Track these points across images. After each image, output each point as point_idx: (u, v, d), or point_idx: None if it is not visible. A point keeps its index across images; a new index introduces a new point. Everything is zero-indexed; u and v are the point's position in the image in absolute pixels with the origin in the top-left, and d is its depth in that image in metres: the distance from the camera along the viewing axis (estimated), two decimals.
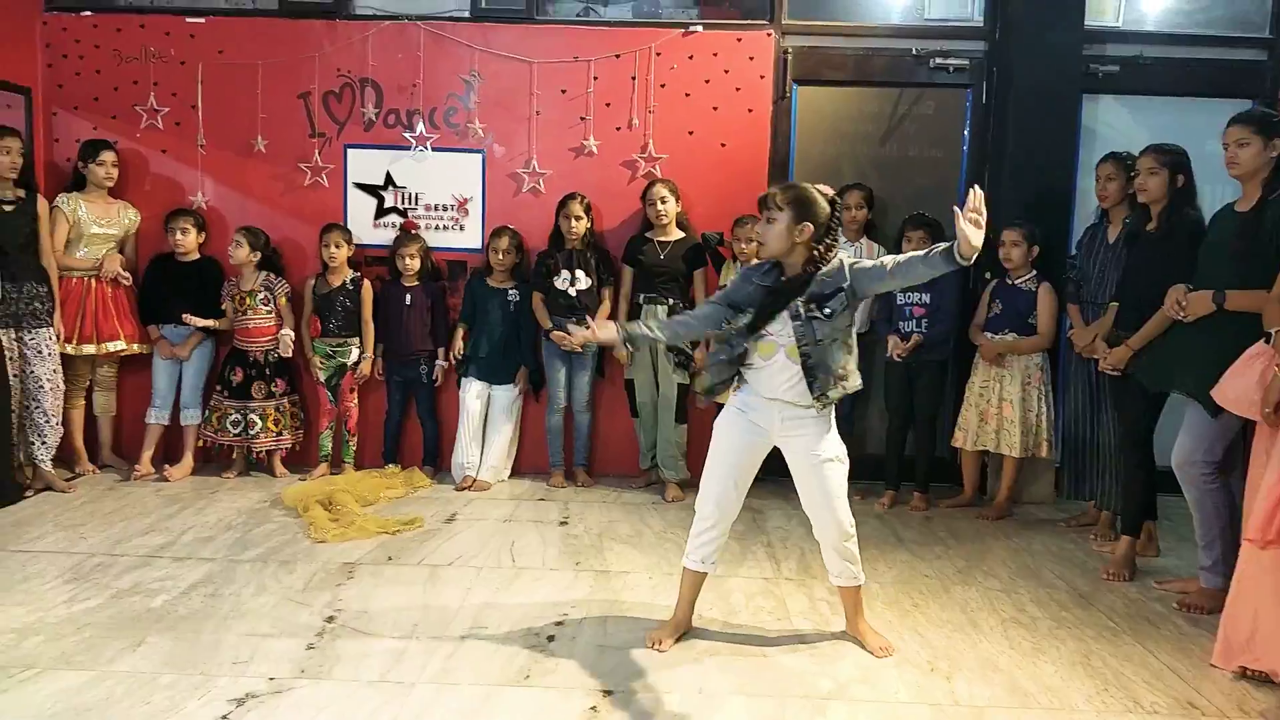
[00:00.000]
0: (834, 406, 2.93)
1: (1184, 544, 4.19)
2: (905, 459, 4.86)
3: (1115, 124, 5.08)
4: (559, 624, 3.14)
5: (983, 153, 5.06)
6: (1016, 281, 4.58)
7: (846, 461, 3.00)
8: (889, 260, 2.84)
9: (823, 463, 2.92)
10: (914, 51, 5.04)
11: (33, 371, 4.41)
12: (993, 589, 3.61)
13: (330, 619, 3.12)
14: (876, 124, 5.13)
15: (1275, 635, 2.79)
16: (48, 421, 4.47)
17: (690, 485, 4.83)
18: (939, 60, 5.03)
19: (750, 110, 5.03)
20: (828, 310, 2.81)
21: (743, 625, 3.20)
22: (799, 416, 2.90)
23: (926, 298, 4.65)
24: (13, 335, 4.34)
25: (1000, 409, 4.56)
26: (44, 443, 4.48)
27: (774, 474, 5.08)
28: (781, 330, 2.84)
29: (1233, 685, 2.83)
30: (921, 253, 2.79)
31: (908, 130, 5.12)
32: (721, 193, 5.01)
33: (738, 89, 5.02)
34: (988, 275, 4.89)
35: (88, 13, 5.06)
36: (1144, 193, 3.75)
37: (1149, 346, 3.61)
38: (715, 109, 5.03)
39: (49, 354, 4.45)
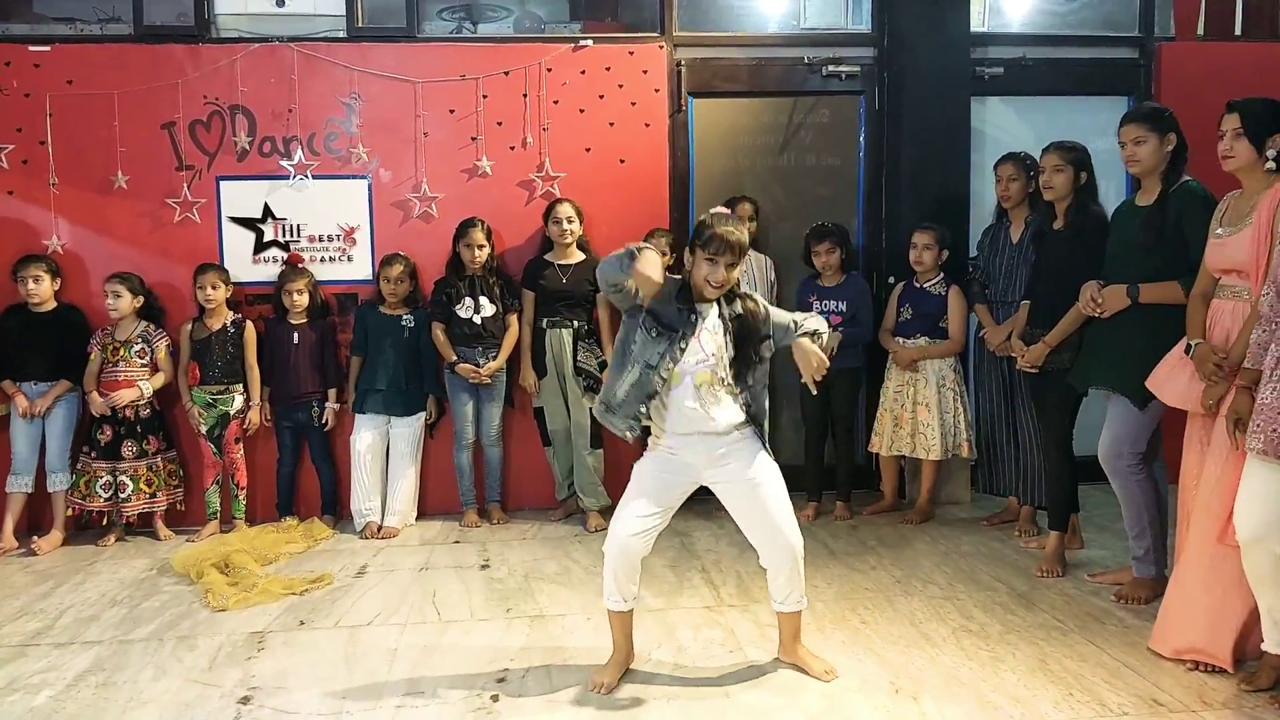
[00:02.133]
0: (754, 428, 2.85)
1: (1104, 533, 4.27)
2: (825, 468, 4.81)
3: (1002, 124, 5.19)
4: (500, 680, 2.92)
5: (879, 158, 5.09)
6: (925, 285, 4.59)
7: (783, 483, 2.88)
8: (791, 323, 2.85)
9: (761, 485, 2.82)
10: (805, 60, 5.03)
11: None
12: (935, 597, 3.57)
13: (245, 699, 2.81)
14: (774, 134, 5.09)
15: (1224, 628, 2.82)
16: None
17: (611, 512, 4.66)
18: (831, 68, 5.03)
19: (647, 125, 4.91)
20: (756, 356, 2.82)
21: (695, 662, 3.04)
22: (728, 444, 2.79)
23: (843, 304, 4.62)
24: None
25: (915, 413, 4.55)
26: None
27: (694, 496, 5.04)
28: (691, 359, 2.74)
29: (1189, 677, 2.83)
30: (797, 336, 2.83)
31: (804, 139, 5.10)
32: (623, 209, 4.88)
33: (633, 103, 4.90)
34: (891, 279, 4.90)
35: None
36: (1050, 190, 3.79)
37: (1077, 348, 3.63)
38: (611, 124, 4.89)
39: None
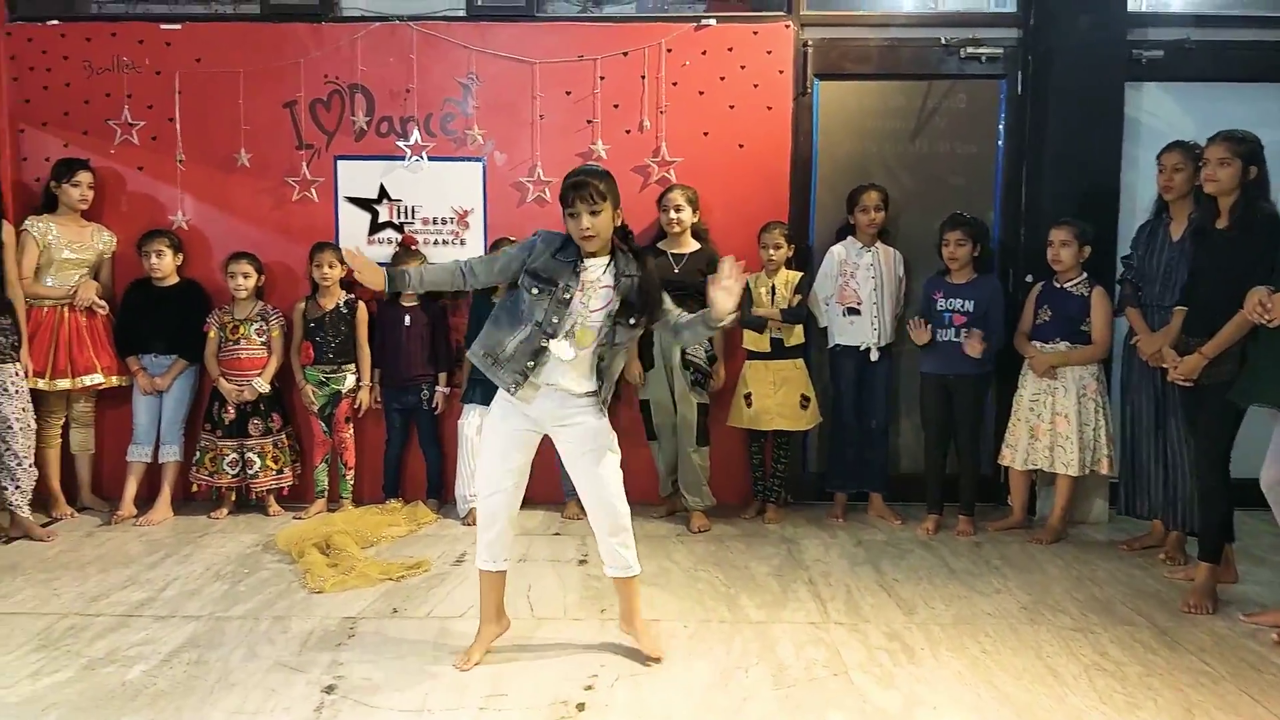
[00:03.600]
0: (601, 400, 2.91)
1: (1261, 567, 3.88)
2: (946, 479, 4.50)
3: (1160, 113, 4.74)
4: (588, 688, 2.78)
5: (1020, 147, 4.73)
6: (1066, 285, 4.23)
7: (619, 452, 2.98)
8: (674, 315, 2.93)
9: (598, 450, 2.90)
10: (943, 41, 4.70)
11: (0, 412, 4.05)
12: (1065, 628, 3.25)
13: (329, 689, 2.75)
14: (904, 119, 4.79)
15: None
16: (20, 464, 4.09)
17: (716, 513, 4.50)
18: (970, 50, 4.69)
19: (769, 108, 4.69)
20: (632, 321, 2.85)
21: (794, 683, 2.83)
22: (576, 406, 2.87)
23: (970, 305, 4.30)
24: None
25: (1054, 424, 4.20)
26: (17, 487, 4.11)
27: (806, 499, 4.83)
28: (568, 316, 2.78)
29: None
30: (692, 316, 2.89)
31: (938, 125, 4.78)
32: (741, 197, 4.68)
33: (755, 85, 4.68)
34: (1029, 278, 4.55)
35: (55, 21, 4.71)
36: (1213, 184, 3.41)
37: (1241, 361, 3.26)
38: (732, 107, 4.68)
39: (16, 391, 4.08)
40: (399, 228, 4.77)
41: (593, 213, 2.74)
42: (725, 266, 2.75)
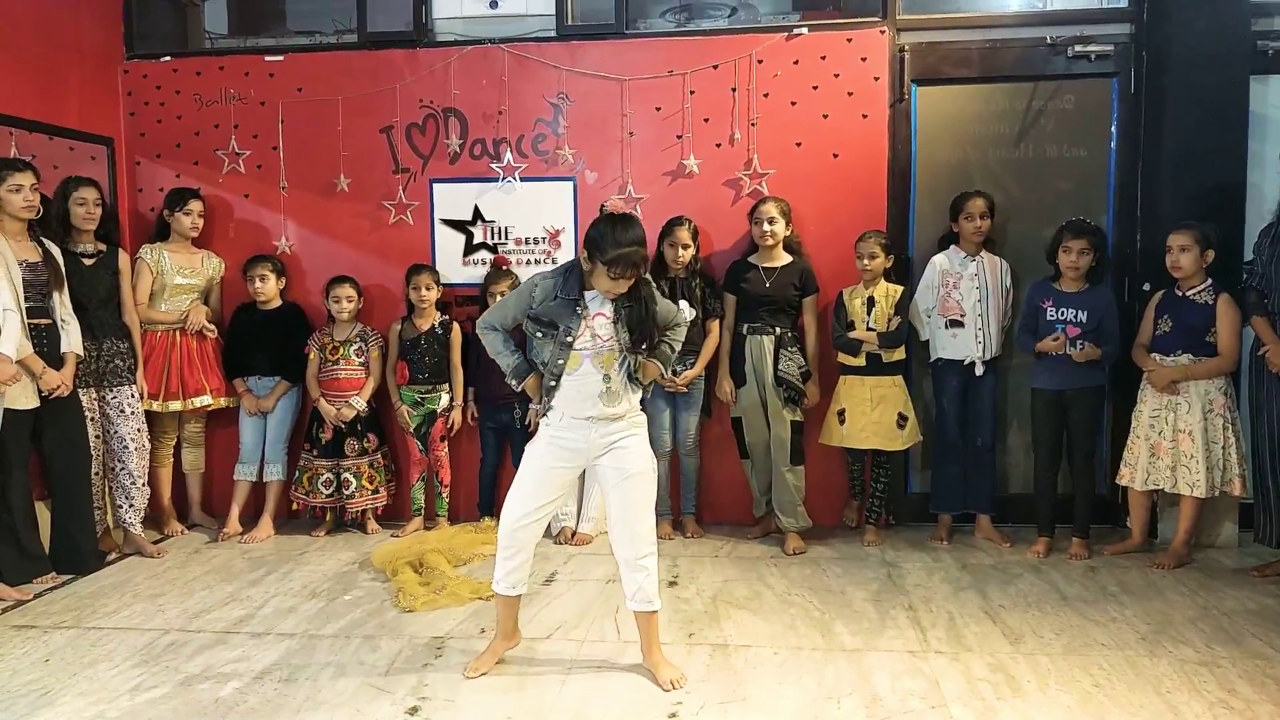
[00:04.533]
0: (642, 416, 2.99)
1: None
2: (1059, 499, 4.27)
3: None
4: (672, 715, 2.70)
5: (1134, 148, 4.46)
6: (1188, 293, 3.96)
7: (655, 470, 3.03)
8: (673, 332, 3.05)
9: (635, 476, 2.90)
10: (1048, 40, 4.49)
11: (116, 431, 4.22)
12: (1188, 661, 3.02)
13: (413, 710, 2.75)
14: (1009, 123, 4.58)
15: None
16: (134, 483, 4.27)
17: (812, 534, 4.36)
18: (1078, 48, 4.46)
19: (865, 116, 4.55)
20: (644, 345, 2.91)
21: (890, 717, 2.69)
22: (617, 432, 2.89)
23: (1083, 315, 4.07)
24: (94, 395, 4.16)
25: (1176, 441, 3.93)
26: (131, 505, 4.28)
27: (907, 520, 4.65)
28: (588, 341, 2.83)
29: None
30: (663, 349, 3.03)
31: (1044, 127, 4.56)
32: (835, 208, 4.55)
33: (850, 94, 4.55)
34: (1147, 287, 4.28)
35: (167, 58, 4.93)
36: None
37: None
38: (825, 117, 4.57)
39: (132, 412, 4.26)
40: (492, 248, 4.80)
41: (631, 279, 2.80)
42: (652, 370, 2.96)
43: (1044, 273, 4.28)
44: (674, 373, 3.24)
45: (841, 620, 3.42)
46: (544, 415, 2.94)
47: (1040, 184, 4.57)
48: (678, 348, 3.08)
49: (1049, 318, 4.17)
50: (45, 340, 3.87)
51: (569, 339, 2.82)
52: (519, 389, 2.98)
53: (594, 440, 2.89)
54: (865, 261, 4.29)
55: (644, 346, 2.90)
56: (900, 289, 4.35)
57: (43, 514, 4.07)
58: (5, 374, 3.55)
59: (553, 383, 2.86)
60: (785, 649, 3.16)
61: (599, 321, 2.85)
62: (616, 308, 2.85)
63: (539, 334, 2.88)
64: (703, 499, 4.66)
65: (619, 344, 2.85)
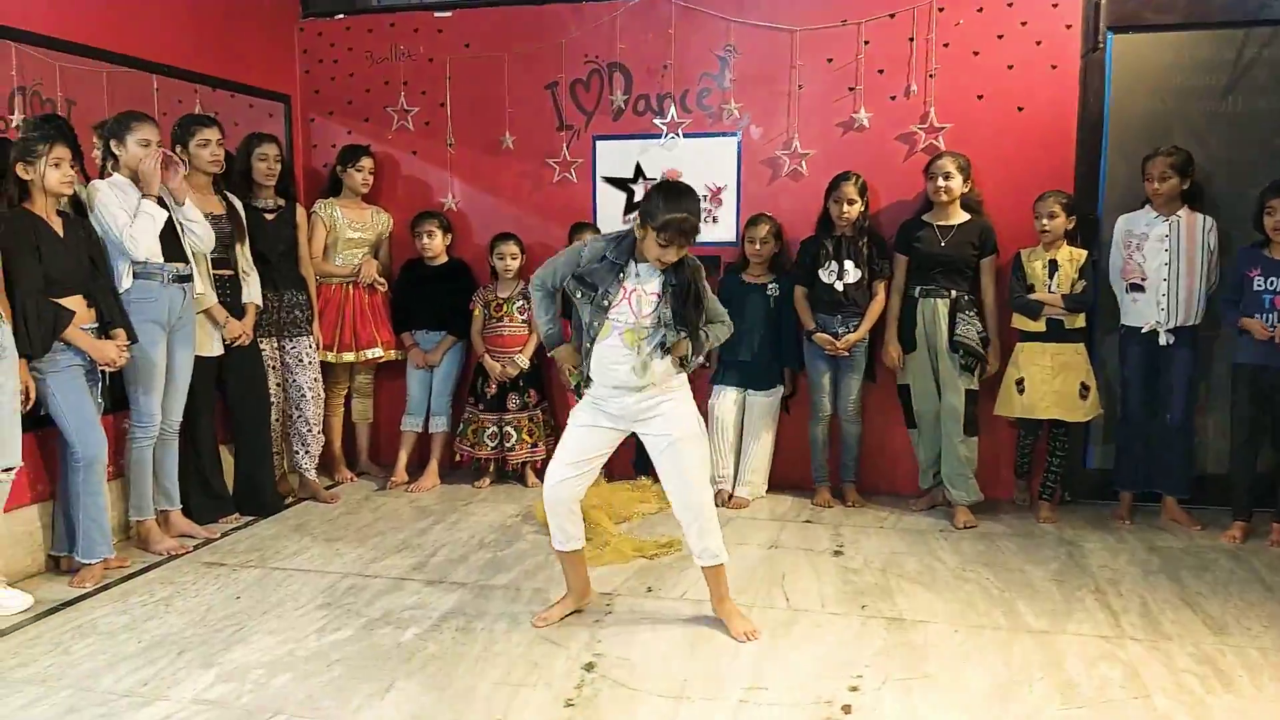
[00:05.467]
0: (687, 379, 2.97)
1: None
2: (1258, 480, 3.95)
3: None
4: (853, 689, 2.62)
5: None
6: None
7: (705, 434, 3.03)
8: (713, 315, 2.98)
9: (680, 440, 2.89)
10: None
11: (295, 380, 4.39)
12: None
13: (589, 666, 2.76)
14: (1215, 73, 4.21)
15: None
16: (310, 430, 4.43)
17: (980, 509, 4.18)
18: None
19: (1054, 66, 4.27)
20: (681, 331, 2.84)
21: (1088, 704, 2.54)
22: (655, 398, 2.87)
23: None
24: (274, 344, 4.33)
25: None
26: (307, 452, 4.45)
27: (1085, 498, 4.40)
28: (623, 312, 2.81)
29: None
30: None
31: (1257, 78, 4.17)
32: (1018, 165, 4.31)
33: (1038, 43, 4.27)
34: None
35: (341, 15, 5.02)
36: None
37: None
38: (1010, 68, 4.30)
39: (309, 362, 4.41)
40: None
41: (681, 248, 2.75)
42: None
43: (1251, 238, 3.94)
44: (693, 361, 3.06)
45: (1023, 600, 3.25)
46: (585, 383, 2.97)
47: (1248, 140, 4.19)
48: (712, 343, 3.01)
49: (1256, 288, 3.83)
50: (228, 291, 4.04)
51: (605, 303, 2.80)
52: (550, 354, 3.07)
53: (631, 407, 2.89)
54: (1044, 221, 4.03)
55: (682, 330, 2.83)
56: (1084, 253, 4.08)
57: (225, 458, 4.27)
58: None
59: (588, 344, 2.87)
60: (965, 626, 3.03)
61: (641, 297, 2.81)
62: (664, 285, 2.81)
63: (579, 294, 2.85)
64: (863, 467, 4.53)
65: (660, 319, 2.80)
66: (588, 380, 2.97)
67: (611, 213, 4.78)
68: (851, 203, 4.23)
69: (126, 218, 3.42)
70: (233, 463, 4.32)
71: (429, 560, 3.66)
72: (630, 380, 2.84)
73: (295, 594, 3.31)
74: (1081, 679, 2.67)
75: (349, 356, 4.68)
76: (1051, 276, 4.07)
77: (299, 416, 4.41)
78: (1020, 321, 4.15)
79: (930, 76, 4.38)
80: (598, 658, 2.81)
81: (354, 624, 3.05)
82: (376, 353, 4.73)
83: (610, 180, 4.79)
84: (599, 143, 4.78)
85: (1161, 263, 3.99)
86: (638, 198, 4.76)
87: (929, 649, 2.86)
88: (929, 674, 2.70)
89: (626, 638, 2.95)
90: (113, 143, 3.53)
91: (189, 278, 3.71)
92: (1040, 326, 4.08)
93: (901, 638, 2.95)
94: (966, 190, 4.17)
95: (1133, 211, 4.14)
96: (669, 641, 2.93)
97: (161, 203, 3.55)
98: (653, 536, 3.89)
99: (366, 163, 4.76)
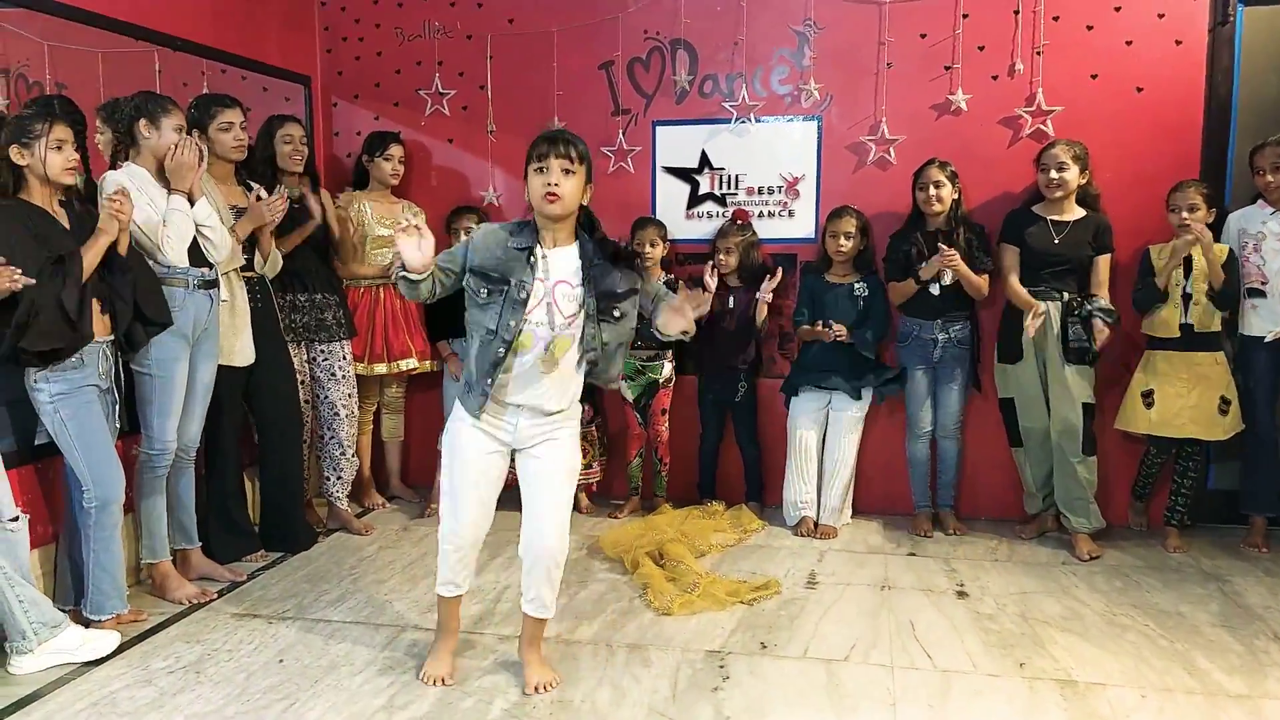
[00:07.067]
0: (578, 409, 2.56)
1: None
2: None
3: None
4: None
5: None
6: None
7: (578, 474, 2.68)
8: (664, 293, 2.53)
9: (562, 474, 2.51)
10: None
11: (326, 396, 3.88)
12: None
13: None
14: None
15: None
16: (343, 453, 3.92)
17: (1103, 537, 3.73)
18: None
19: (1178, 42, 3.82)
20: (617, 312, 2.43)
21: None
22: (552, 424, 2.47)
23: None
24: (303, 356, 3.82)
25: None
26: (339, 477, 3.94)
27: (1204, 521, 3.97)
28: (543, 321, 2.36)
29: None
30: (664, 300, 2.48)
31: None
32: (1138, 151, 3.88)
33: (1160, 16, 3.83)
34: None
35: None
36: None
37: None
38: (1128, 44, 3.86)
39: (344, 376, 3.90)
40: (721, 199, 4.26)
41: (566, 171, 2.34)
42: (680, 295, 2.46)
43: None
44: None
45: (1201, 653, 2.80)
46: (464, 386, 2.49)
47: None
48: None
49: None
50: (259, 296, 3.53)
51: (522, 295, 2.33)
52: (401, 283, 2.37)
53: (523, 429, 2.46)
54: (1184, 215, 3.58)
55: (617, 314, 2.42)
56: (1227, 248, 3.64)
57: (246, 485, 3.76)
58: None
59: (501, 352, 2.35)
60: (1151, 690, 2.57)
61: (561, 291, 2.37)
62: (585, 269, 2.39)
63: (484, 290, 2.36)
64: (961, 488, 4.08)
65: (589, 322, 2.40)
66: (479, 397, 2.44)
67: (674, 206, 4.29)
68: (939, 186, 3.77)
69: (157, 217, 2.92)
70: (257, 491, 3.80)
71: (495, 608, 3.16)
72: (545, 402, 2.43)
73: (349, 655, 2.80)
74: None
75: (380, 368, 4.17)
76: (1187, 276, 3.62)
77: (331, 438, 3.90)
78: (1149, 325, 3.70)
79: (1037, 54, 3.92)
80: None
81: (428, 695, 2.55)
82: (411, 364, 4.21)
83: (672, 170, 4.30)
84: (659, 128, 4.28)
85: None
86: (704, 189, 4.28)
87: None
88: None
89: (757, 712, 2.46)
90: (143, 124, 3.02)
91: (215, 283, 3.18)
92: (1174, 330, 3.63)
93: (1084, 708, 2.48)
94: (1084, 182, 3.72)
95: (1244, 208, 3.71)
96: (808, 712, 2.45)
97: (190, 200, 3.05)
98: (742, 576, 3.42)
99: (396, 151, 4.23)
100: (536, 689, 2.53)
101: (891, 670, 2.69)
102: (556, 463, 2.50)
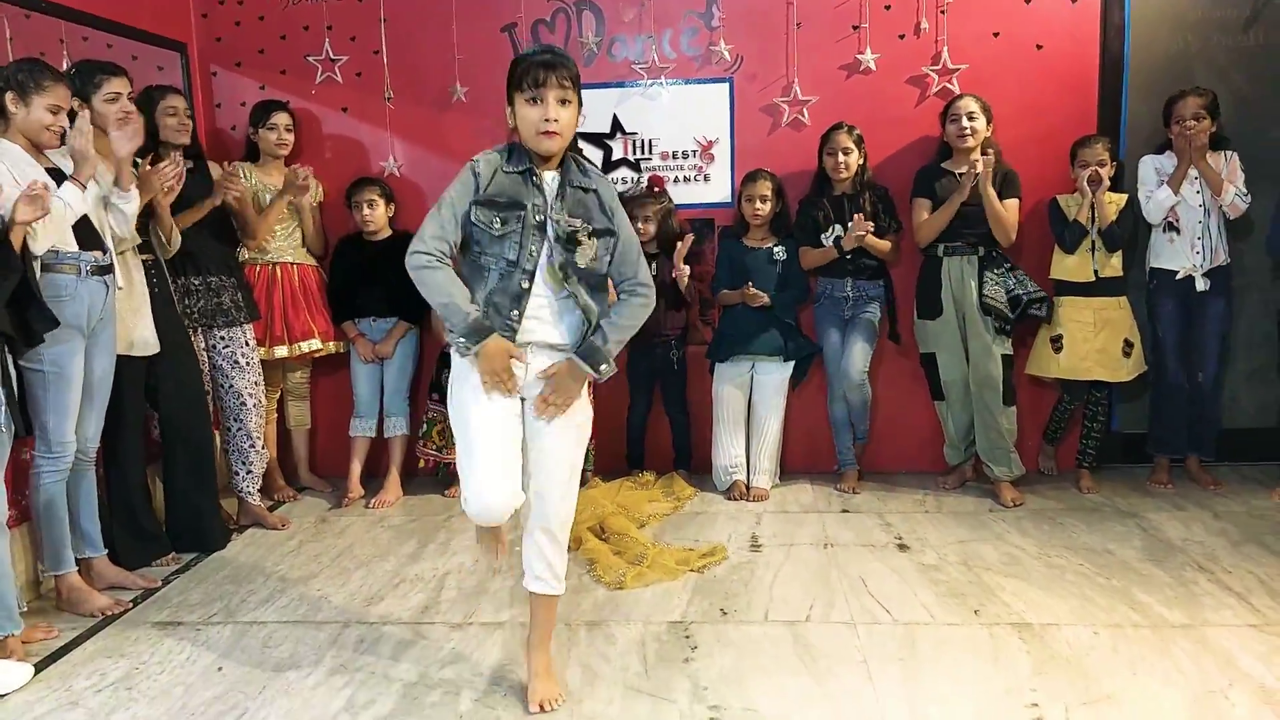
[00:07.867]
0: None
1: None
2: None
3: None
4: None
5: None
6: None
7: (589, 432, 2.36)
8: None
9: (570, 424, 2.24)
10: None
11: (231, 385, 3.63)
12: None
13: None
14: (1236, 6, 3.98)
15: None
16: (252, 445, 3.68)
17: (1024, 482, 3.86)
18: None
19: (1074, 1, 3.94)
20: (581, 240, 2.18)
21: None
22: (555, 361, 2.21)
23: None
24: (201, 343, 3.55)
25: None
26: (249, 471, 3.70)
27: (1109, 463, 4.14)
28: (545, 240, 2.17)
29: None
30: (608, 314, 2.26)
31: None
32: (1038, 107, 4.00)
33: None
34: None
35: None
36: None
37: None
38: (1027, 3, 3.95)
39: (248, 363, 3.65)
40: (635, 165, 4.18)
41: (563, 101, 2.11)
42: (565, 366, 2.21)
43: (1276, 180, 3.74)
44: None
45: (1138, 588, 2.92)
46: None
47: (1273, 76, 3.99)
48: (626, 325, 2.25)
49: None
50: (154, 279, 3.25)
51: (539, 219, 2.13)
52: (469, 354, 2.14)
53: (526, 375, 2.21)
54: (1095, 168, 3.70)
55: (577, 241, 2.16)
56: (1125, 196, 3.79)
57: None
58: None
59: (526, 284, 2.14)
60: (1101, 627, 2.66)
61: (557, 211, 2.18)
62: (571, 189, 2.17)
63: (498, 219, 2.12)
64: (874, 439, 4.16)
65: (556, 234, 2.16)
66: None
67: None
68: (847, 152, 3.80)
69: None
70: (160, 490, 3.52)
71: (440, 596, 3.02)
72: (553, 337, 2.20)
73: (293, 657, 2.62)
74: (1269, 679, 2.34)
75: (281, 351, 3.93)
76: (1093, 223, 3.75)
77: (238, 430, 3.65)
78: (1063, 270, 3.82)
79: (942, 12, 3.99)
80: (718, 711, 2.28)
81: (389, 691, 2.41)
82: (314, 345, 3.99)
83: (583, 136, 4.18)
84: None
85: (1199, 203, 3.74)
86: (617, 154, 4.19)
87: (1085, 662, 2.46)
88: (1109, 693, 2.30)
89: (738, 679, 2.42)
90: (9, 98, 2.71)
91: (109, 268, 2.90)
92: (1087, 274, 3.76)
93: (1043, 649, 2.54)
94: (988, 134, 3.80)
95: (1154, 154, 3.87)
96: (789, 677, 2.43)
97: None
98: (687, 544, 3.39)
99: (281, 119, 3.97)
100: (541, 706, 2.27)
101: (854, 627, 2.70)
102: (576, 410, 2.25)
